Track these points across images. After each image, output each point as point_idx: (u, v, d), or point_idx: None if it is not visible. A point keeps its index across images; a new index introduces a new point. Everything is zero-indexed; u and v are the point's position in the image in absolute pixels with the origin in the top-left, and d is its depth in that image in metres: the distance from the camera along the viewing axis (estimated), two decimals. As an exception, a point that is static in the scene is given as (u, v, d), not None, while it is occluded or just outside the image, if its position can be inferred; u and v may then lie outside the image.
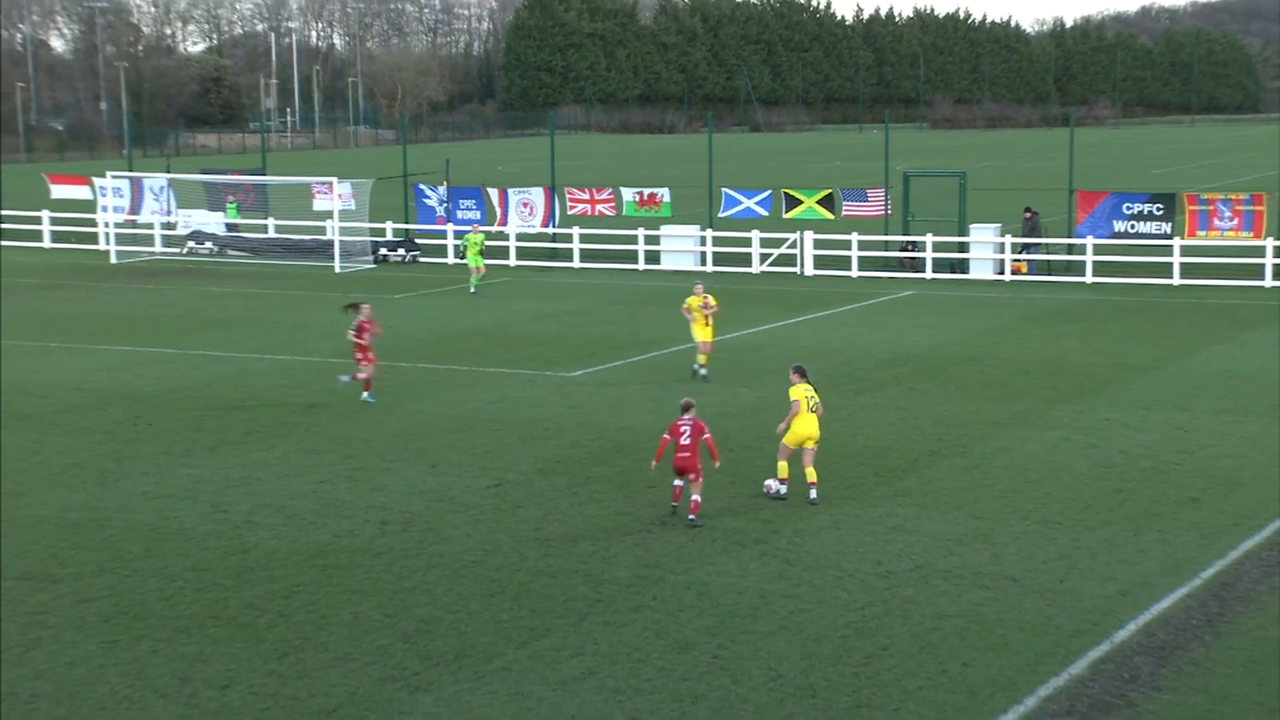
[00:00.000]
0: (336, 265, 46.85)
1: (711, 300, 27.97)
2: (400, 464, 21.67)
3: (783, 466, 19.53)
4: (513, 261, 47.93)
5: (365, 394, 26.16)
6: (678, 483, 18.81)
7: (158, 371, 29.21)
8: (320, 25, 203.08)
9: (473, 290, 40.72)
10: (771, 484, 19.63)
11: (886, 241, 45.48)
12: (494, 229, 49.10)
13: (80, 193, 55.87)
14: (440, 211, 50.05)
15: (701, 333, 27.86)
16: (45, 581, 16.50)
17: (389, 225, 50.75)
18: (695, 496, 18.57)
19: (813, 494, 19.36)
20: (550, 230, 48.91)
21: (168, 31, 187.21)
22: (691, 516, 18.49)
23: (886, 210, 45.73)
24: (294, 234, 51.48)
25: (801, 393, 19.33)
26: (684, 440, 18.48)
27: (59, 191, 56.38)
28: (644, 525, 18.56)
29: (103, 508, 19.42)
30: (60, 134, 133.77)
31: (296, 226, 51.83)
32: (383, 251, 49.35)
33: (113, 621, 15.25)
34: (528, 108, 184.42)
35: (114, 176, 53.02)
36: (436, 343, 32.85)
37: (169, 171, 56.58)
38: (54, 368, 29.64)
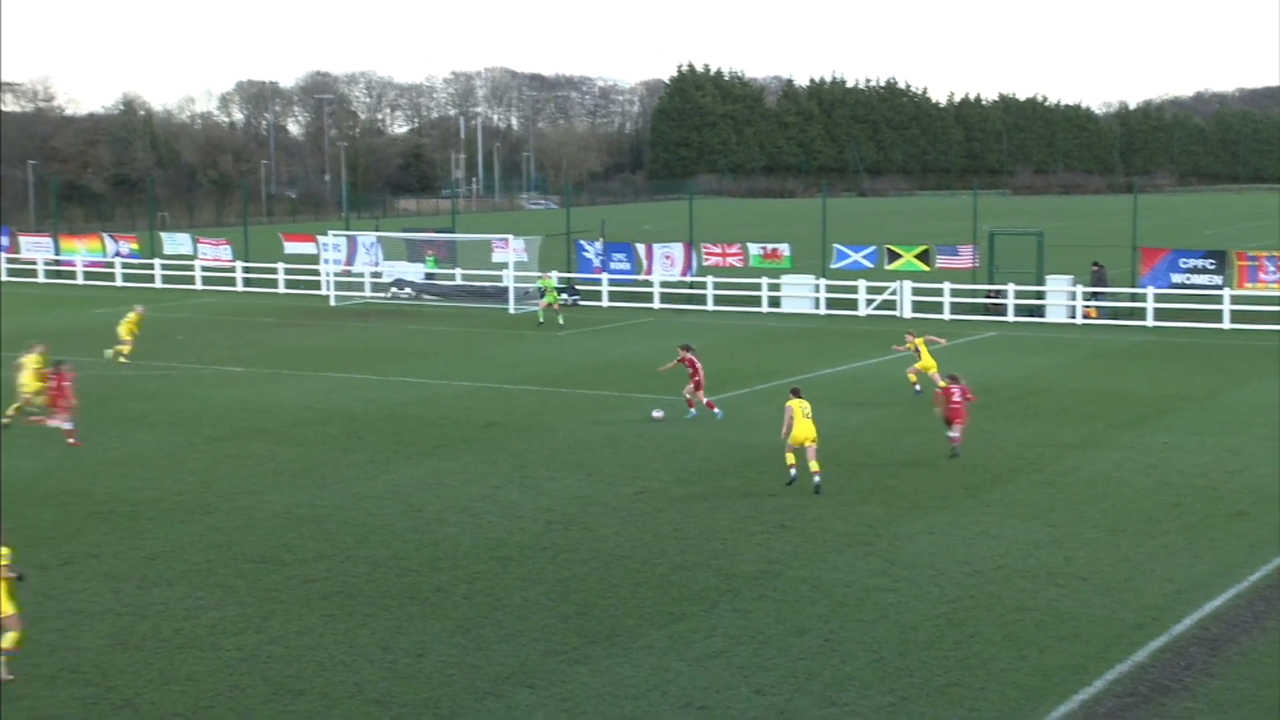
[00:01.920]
0: (511, 307, 47.33)
1: (919, 341, 28.34)
2: (561, 473, 21.81)
3: (789, 458, 20.53)
4: (656, 305, 48.03)
5: (715, 410, 25.90)
6: (951, 434, 22.34)
7: (366, 394, 29.77)
8: (501, 110, 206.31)
9: (541, 321, 42.15)
10: (658, 413, 25.68)
11: (974, 290, 44.74)
12: (641, 276, 49.30)
13: (307, 248, 57.10)
14: (596, 263, 50.37)
15: (925, 363, 28.14)
16: (277, 565, 16.90)
17: (554, 274, 51.18)
18: (956, 434, 22.35)
19: (816, 479, 20.11)
20: (688, 278, 48.94)
21: (379, 117, 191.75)
22: (955, 447, 22.25)
23: (975, 263, 45.00)
24: (477, 281, 52.13)
25: (797, 405, 20.54)
26: (955, 399, 22.39)
27: (291, 248, 57.65)
28: (766, 528, 18.44)
29: (322, 505, 19.84)
30: (293, 201, 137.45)
31: (479, 275, 52.45)
32: (550, 296, 49.81)
33: (330, 599, 15.55)
34: (670, 176, 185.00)
35: (334, 235, 54.07)
36: (591, 372, 33.00)
37: (377, 230, 57.70)
38: (285, 390, 30.38)
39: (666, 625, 14.51)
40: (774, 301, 46.83)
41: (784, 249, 48.05)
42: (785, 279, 47.29)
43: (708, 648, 13.83)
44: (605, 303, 48.87)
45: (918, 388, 28.13)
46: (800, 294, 46.58)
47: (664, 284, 49.07)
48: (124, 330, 34.90)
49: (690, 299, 48.94)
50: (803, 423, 20.36)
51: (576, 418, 26.73)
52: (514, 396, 29.44)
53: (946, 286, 43.87)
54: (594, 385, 30.75)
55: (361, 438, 24.85)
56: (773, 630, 14.33)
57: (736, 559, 16.96)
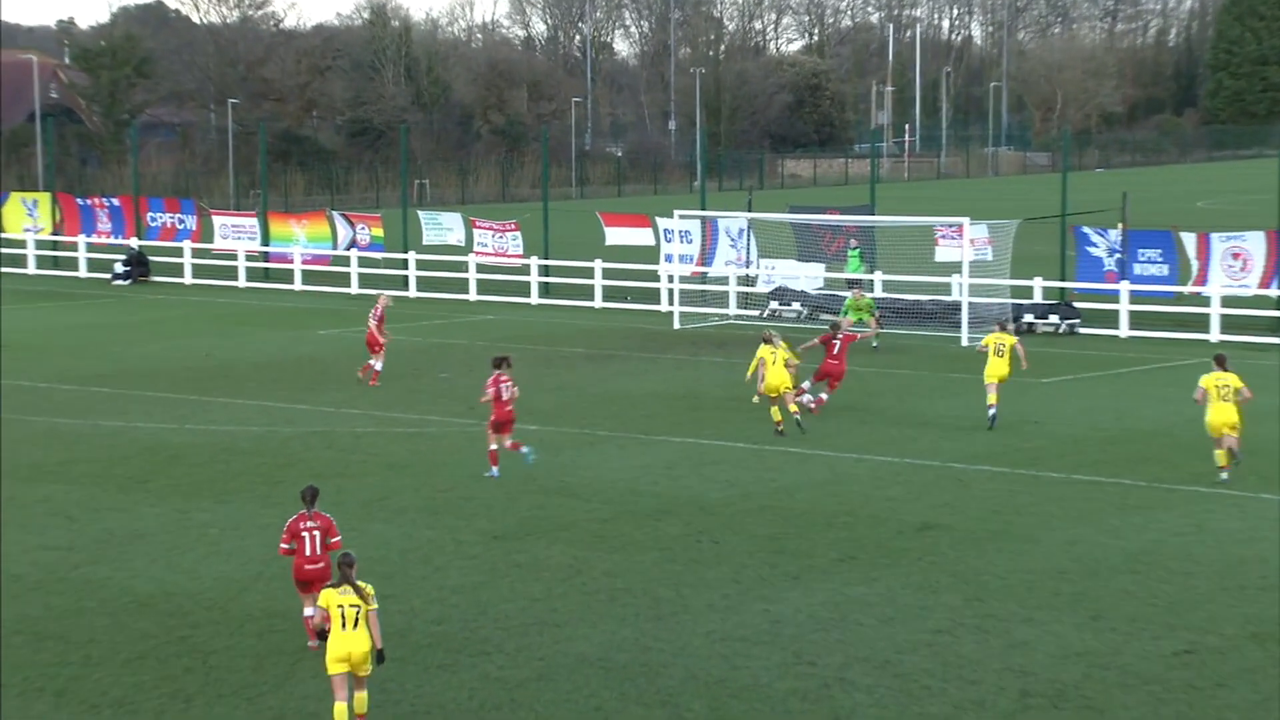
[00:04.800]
0: (964, 337, 47.14)
1: (997, 340, 34.04)
2: (1046, 612, 21.57)
3: (1218, 455, 28.23)
4: (1213, 335, 46.73)
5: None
6: None
7: (726, 472, 30.32)
8: (955, 12, 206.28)
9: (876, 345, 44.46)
10: (806, 398, 34.45)
11: None
12: (1187, 289, 48.12)
13: (639, 237, 58.67)
14: (1110, 265, 49.54)
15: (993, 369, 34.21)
16: (584, 741, 17.47)
17: (1038, 282, 50.69)
18: None
19: (1223, 475, 28.13)
20: (1275, 293, 47.48)
21: (755, 27, 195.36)
22: None
23: None
24: (907, 293, 52.16)
25: (1211, 382, 27.74)
26: None
27: (614, 236, 59.46)
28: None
29: (657, 649, 20.31)
30: (618, 161, 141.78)
31: (910, 283, 52.46)
32: (1028, 319, 49.32)
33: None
34: (1243, 119, 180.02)
35: (681, 216, 55.42)
36: (1099, 445, 32.45)
37: (749, 209, 58.64)
38: (602, 462, 31.37)
39: None
40: None
41: None
42: None
43: None
44: (1123, 330, 47.98)
45: (992, 411, 33.90)
46: None
47: (1228, 300, 47.72)
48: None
49: (1278, 327, 47.32)
50: (1219, 406, 27.35)
51: (1071, 519, 26.45)
52: (965, 482, 29.37)
53: None
54: (1103, 467, 30.32)
55: (719, 542, 25.33)
56: None
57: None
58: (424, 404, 37.66)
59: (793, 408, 33.54)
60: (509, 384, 29.61)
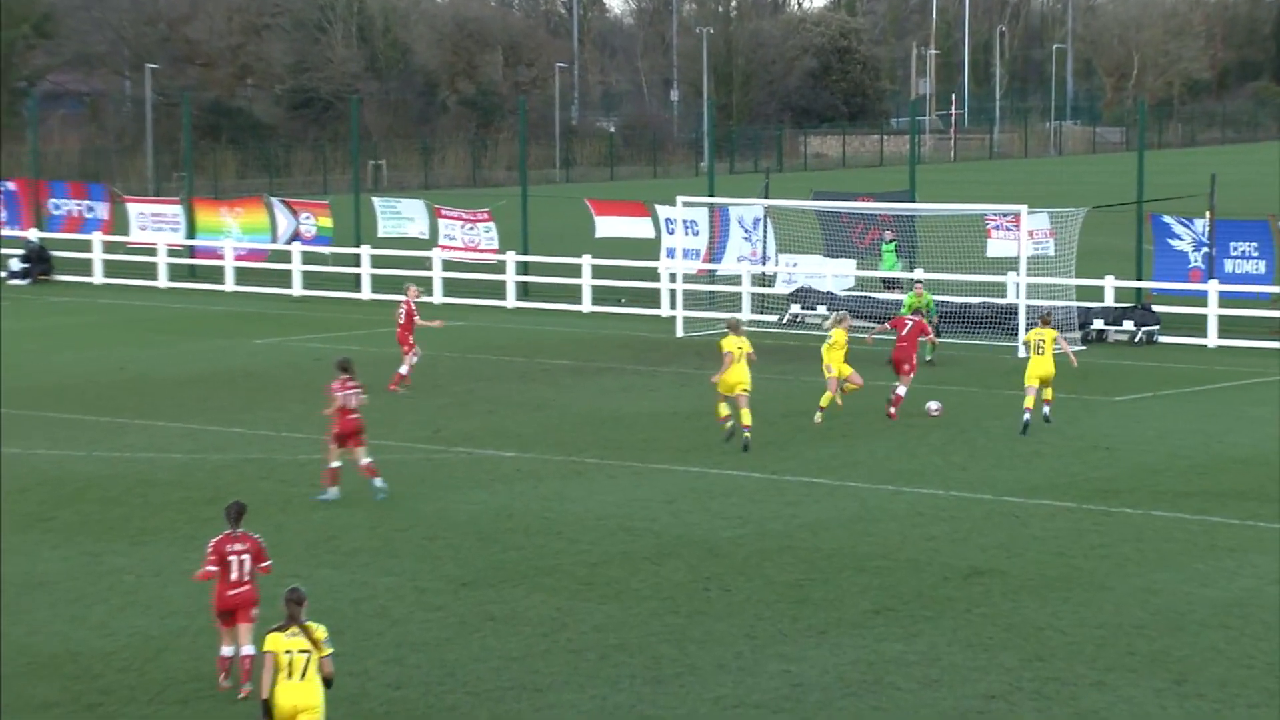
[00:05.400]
0: (1020, 345, 46.94)
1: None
2: (1120, 675, 21.51)
3: None
4: (1319, 345, 46.77)
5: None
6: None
7: (738, 506, 30.27)
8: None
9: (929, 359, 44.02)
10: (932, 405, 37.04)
11: None
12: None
13: (635, 228, 58.45)
14: (1195, 260, 49.45)
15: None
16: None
17: (1109, 282, 50.60)
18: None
19: None
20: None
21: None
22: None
23: None
24: (954, 294, 51.96)
25: None
26: None
27: (606, 227, 59.19)
28: None
29: (656, 717, 20.25)
30: (610, 137, 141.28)
31: (958, 283, 52.33)
32: (1098, 324, 49.24)
33: None
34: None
35: (686, 204, 55.18)
36: (1182, 475, 32.44)
37: (767, 196, 58.44)
38: (590, 495, 31.29)
39: None
40: None
41: None
42: None
43: None
44: (1211, 338, 47.94)
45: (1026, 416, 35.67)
46: None
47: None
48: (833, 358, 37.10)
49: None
50: None
51: (1149, 563, 26.45)
52: (1023, 519, 29.37)
53: None
54: (1185, 503, 30.32)
55: (731, 590, 25.28)
56: None
57: None
58: (380, 427, 37.51)
59: (742, 412, 34.46)
60: (357, 390, 30.31)
